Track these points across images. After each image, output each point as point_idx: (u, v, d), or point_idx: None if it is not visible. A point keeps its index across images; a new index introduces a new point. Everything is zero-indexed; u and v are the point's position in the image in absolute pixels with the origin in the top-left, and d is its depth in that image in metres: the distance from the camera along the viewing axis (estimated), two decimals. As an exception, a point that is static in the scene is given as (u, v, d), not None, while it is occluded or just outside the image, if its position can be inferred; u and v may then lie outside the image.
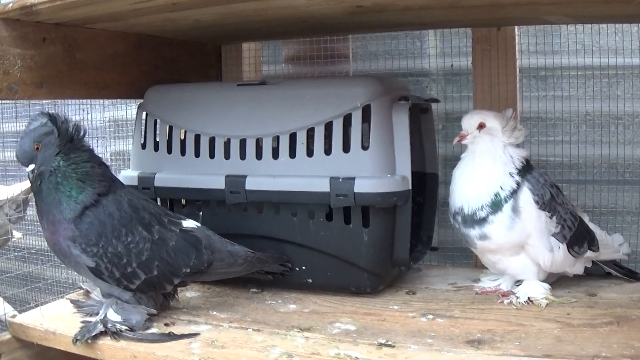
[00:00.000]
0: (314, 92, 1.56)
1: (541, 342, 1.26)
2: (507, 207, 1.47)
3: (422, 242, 1.78)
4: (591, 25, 1.85)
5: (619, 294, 1.53)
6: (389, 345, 1.27)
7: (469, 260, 1.88)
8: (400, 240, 1.55)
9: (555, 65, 1.90)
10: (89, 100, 2.52)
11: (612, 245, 1.64)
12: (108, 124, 2.58)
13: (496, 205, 1.47)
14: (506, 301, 1.50)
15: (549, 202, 1.49)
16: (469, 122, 1.52)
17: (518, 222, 1.47)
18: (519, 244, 1.49)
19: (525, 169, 1.51)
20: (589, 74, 1.88)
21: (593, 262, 1.61)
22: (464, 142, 1.53)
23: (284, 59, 2.21)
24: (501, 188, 1.48)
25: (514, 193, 1.48)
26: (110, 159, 2.52)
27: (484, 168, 1.51)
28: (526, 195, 1.48)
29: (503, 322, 1.38)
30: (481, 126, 1.51)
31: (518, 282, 1.56)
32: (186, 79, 1.95)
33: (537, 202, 1.48)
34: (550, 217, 1.49)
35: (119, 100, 2.43)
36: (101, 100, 2.51)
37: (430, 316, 1.44)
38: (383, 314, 1.47)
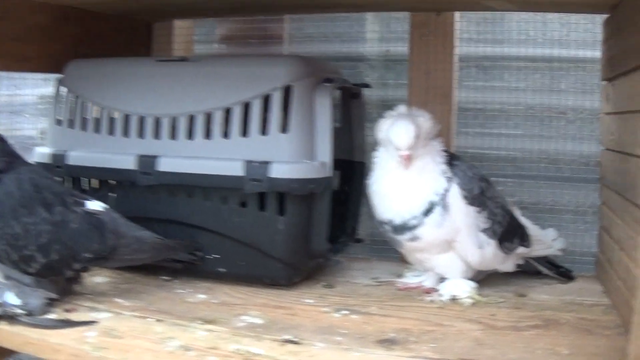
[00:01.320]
0: (234, 71, 1.49)
1: (459, 345, 1.19)
2: (438, 207, 1.39)
3: (346, 233, 1.71)
4: (536, 14, 1.81)
5: (550, 295, 1.47)
6: (294, 342, 1.20)
7: (398, 253, 1.80)
8: (318, 230, 1.49)
9: (498, 55, 1.87)
10: (20, 76, 2.48)
11: (545, 240, 1.57)
12: (39, 100, 2.54)
13: (429, 210, 1.38)
14: (428, 298, 1.44)
15: (478, 197, 1.41)
16: (409, 137, 1.35)
17: (447, 218, 1.38)
18: (447, 240, 1.42)
19: (450, 161, 1.42)
20: (532, 66, 1.86)
21: (525, 259, 1.54)
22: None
23: (218, 39, 2.15)
24: (435, 194, 1.38)
25: (446, 191, 1.39)
26: (40, 136, 2.48)
27: (415, 179, 1.39)
28: (455, 191, 1.39)
29: (421, 321, 1.32)
30: (418, 136, 1.37)
31: (443, 279, 1.49)
32: (113, 56, 1.86)
33: (465, 198, 1.39)
34: (479, 212, 1.41)
35: (51, 75, 2.38)
36: (34, 76, 2.46)
37: (345, 312, 1.37)
38: (295, 307, 1.40)
